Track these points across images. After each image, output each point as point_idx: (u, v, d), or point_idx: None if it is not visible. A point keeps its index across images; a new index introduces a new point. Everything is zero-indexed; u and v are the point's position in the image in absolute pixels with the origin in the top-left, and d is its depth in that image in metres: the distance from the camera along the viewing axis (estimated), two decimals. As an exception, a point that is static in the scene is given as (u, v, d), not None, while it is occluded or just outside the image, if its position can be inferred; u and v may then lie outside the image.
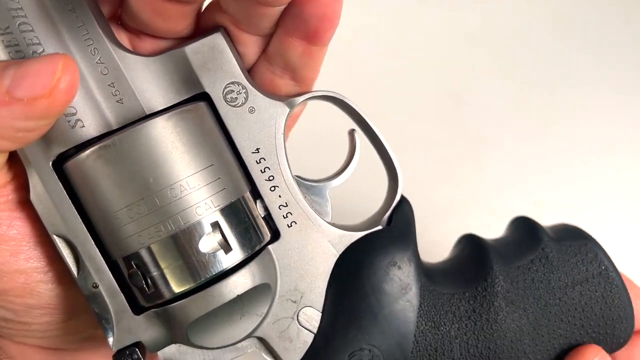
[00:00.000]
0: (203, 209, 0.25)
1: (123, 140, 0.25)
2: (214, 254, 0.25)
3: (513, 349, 0.30)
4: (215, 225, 0.25)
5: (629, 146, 0.52)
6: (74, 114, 0.25)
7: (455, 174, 0.49)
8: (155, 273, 0.25)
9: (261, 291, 0.27)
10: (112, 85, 0.26)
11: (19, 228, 0.26)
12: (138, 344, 0.26)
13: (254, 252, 0.27)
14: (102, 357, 0.31)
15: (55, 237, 0.26)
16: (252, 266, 0.26)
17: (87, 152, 0.25)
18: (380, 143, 0.30)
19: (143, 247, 0.25)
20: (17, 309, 0.27)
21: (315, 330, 0.28)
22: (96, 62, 0.26)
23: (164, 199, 0.25)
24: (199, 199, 0.25)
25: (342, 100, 0.29)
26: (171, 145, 0.25)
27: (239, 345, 0.28)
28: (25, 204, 0.26)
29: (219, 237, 0.25)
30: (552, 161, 0.50)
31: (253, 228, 0.27)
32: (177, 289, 0.25)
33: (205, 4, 0.27)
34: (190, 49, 0.27)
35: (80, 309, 0.28)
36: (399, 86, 0.50)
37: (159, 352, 0.27)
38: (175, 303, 0.25)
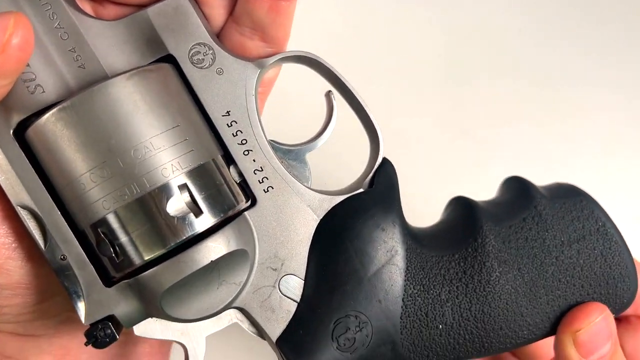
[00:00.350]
0: (170, 170, 0.24)
1: (82, 100, 0.24)
2: (183, 217, 0.24)
3: (509, 311, 0.28)
4: (183, 188, 0.24)
5: (629, 146, 0.51)
6: (33, 80, 0.24)
7: (454, 173, 0.48)
8: (123, 239, 0.24)
9: (238, 258, 0.26)
10: (73, 50, 0.25)
11: None
12: (111, 318, 0.25)
13: (228, 217, 0.26)
14: (80, 343, 0.30)
15: (19, 208, 0.25)
16: (226, 231, 0.25)
17: (46, 115, 0.24)
18: (358, 104, 0.29)
19: (109, 213, 0.24)
20: None
21: (298, 299, 0.27)
22: (55, 27, 0.25)
23: (127, 161, 0.24)
24: (165, 160, 0.24)
25: (317, 61, 0.28)
26: (132, 105, 0.24)
27: (219, 317, 0.27)
28: None
29: (187, 199, 0.24)
30: (552, 160, 0.49)
31: (225, 192, 0.26)
32: (146, 255, 0.24)
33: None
34: (153, 11, 0.26)
35: (54, 290, 0.27)
36: (398, 85, 0.49)
37: (134, 327, 0.26)
38: (147, 271, 0.24)
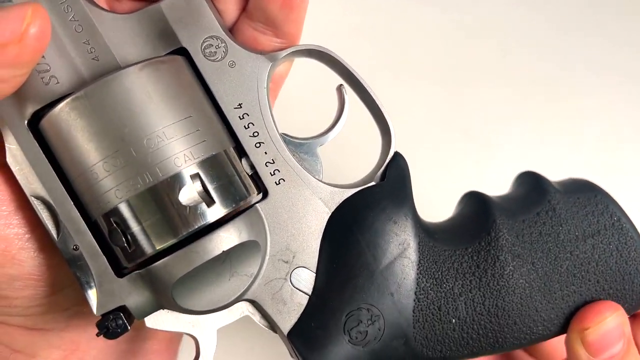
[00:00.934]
0: (182, 160, 0.24)
1: (95, 90, 0.24)
2: (195, 207, 0.24)
3: (523, 306, 0.28)
4: (196, 177, 0.24)
5: (631, 143, 0.51)
6: (48, 71, 0.25)
7: (459, 170, 0.48)
8: (135, 229, 0.24)
9: (249, 249, 0.26)
10: (87, 42, 0.25)
11: None
12: (123, 309, 0.25)
13: (240, 208, 0.26)
14: (89, 337, 0.30)
15: (32, 198, 0.25)
16: (237, 222, 0.25)
17: (60, 105, 0.24)
18: (370, 98, 0.29)
19: (121, 202, 0.24)
20: None
21: (309, 292, 0.27)
22: (70, 20, 0.25)
23: (140, 150, 0.24)
24: (177, 150, 0.24)
25: (328, 55, 0.28)
26: (145, 95, 0.24)
27: (230, 309, 0.27)
28: (2, 167, 0.26)
29: (199, 188, 0.24)
30: (556, 157, 0.49)
31: (237, 183, 0.26)
32: (158, 244, 0.24)
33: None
34: (166, 4, 0.26)
35: (64, 282, 0.27)
36: (401, 82, 0.49)
37: (145, 319, 0.26)
38: (158, 261, 0.24)
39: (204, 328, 0.27)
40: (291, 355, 0.28)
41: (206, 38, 0.27)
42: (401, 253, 0.27)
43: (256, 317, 0.27)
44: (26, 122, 0.25)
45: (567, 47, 0.52)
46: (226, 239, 0.25)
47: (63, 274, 0.27)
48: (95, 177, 0.24)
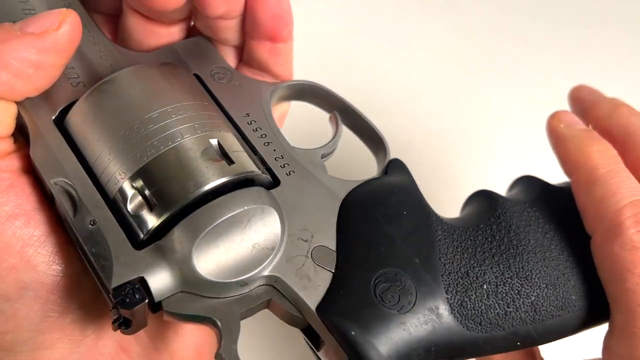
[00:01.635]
0: (201, 128, 0.26)
1: (121, 76, 0.27)
2: (215, 163, 0.25)
3: (549, 267, 0.28)
4: (215, 142, 0.26)
5: None
6: (77, 78, 0.28)
7: (458, 173, 0.48)
8: (156, 187, 0.24)
9: (269, 219, 0.25)
10: (111, 66, 0.29)
11: (17, 193, 0.25)
12: (141, 280, 0.23)
13: (256, 176, 0.26)
14: None
15: (52, 183, 0.25)
16: (256, 189, 0.26)
17: (84, 95, 0.26)
18: (362, 120, 0.32)
19: (144, 163, 0.25)
20: (8, 290, 0.25)
21: (332, 268, 0.26)
22: (97, 51, 0.29)
23: (163, 118, 0.25)
24: (197, 120, 0.26)
25: (321, 89, 0.32)
26: (165, 81, 0.27)
27: (252, 293, 0.25)
28: (26, 173, 0.26)
29: (217, 150, 0.25)
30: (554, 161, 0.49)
31: (250, 156, 0.27)
32: (180, 199, 0.24)
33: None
34: (178, 45, 0.31)
35: (77, 302, 0.26)
36: (400, 88, 0.51)
37: (163, 302, 0.24)
38: (178, 223, 0.24)
39: (227, 313, 0.24)
40: (312, 348, 0.26)
41: (214, 67, 0.31)
42: (419, 223, 0.28)
43: (280, 301, 0.25)
44: (53, 117, 0.26)
45: (568, 47, 0.54)
46: (246, 198, 0.25)
47: (73, 288, 0.26)
48: (121, 144, 0.25)
